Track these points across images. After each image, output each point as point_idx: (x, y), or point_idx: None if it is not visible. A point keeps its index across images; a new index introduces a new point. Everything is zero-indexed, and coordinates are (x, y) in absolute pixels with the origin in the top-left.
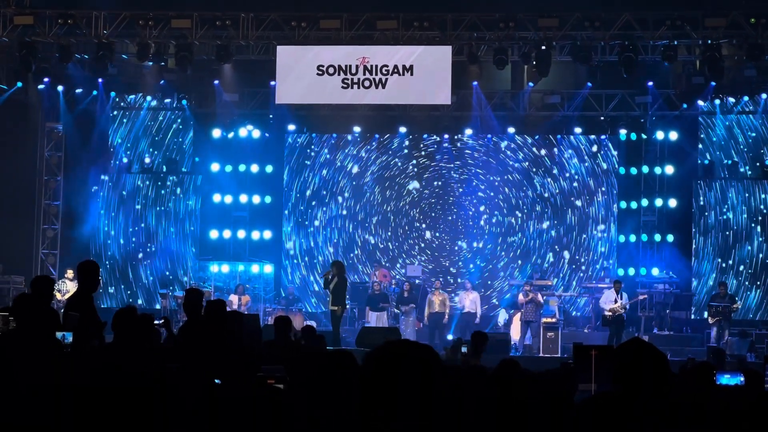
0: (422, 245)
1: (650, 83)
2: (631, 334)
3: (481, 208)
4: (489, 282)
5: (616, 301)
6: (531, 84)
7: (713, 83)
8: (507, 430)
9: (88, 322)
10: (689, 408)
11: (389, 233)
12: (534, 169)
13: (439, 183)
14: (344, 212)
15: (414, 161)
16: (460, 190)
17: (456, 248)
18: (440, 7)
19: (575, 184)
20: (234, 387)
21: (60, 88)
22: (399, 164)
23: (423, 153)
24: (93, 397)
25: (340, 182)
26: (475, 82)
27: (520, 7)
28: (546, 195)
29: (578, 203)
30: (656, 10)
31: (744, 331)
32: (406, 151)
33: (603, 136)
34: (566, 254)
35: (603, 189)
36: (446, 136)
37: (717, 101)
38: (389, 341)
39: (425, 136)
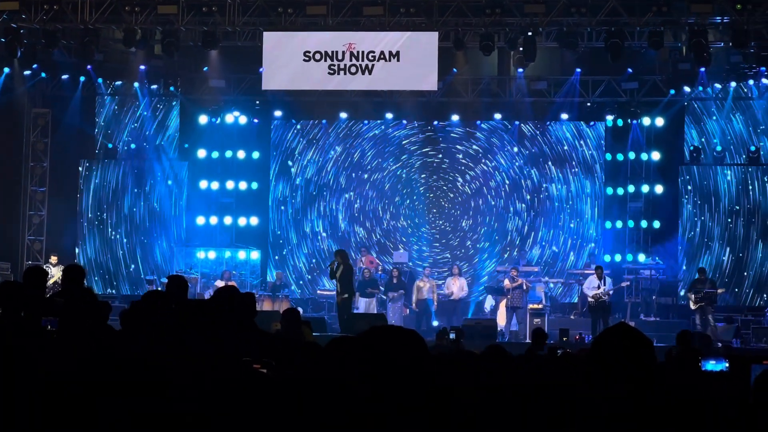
0: (411, 232)
1: (630, 69)
2: (618, 320)
3: (458, 184)
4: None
5: (599, 287)
6: (521, 70)
7: (702, 69)
8: (496, 416)
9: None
10: (673, 395)
11: (377, 223)
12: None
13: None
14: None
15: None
16: (433, 176)
17: (452, 228)
18: None
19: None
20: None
21: (43, 74)
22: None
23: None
24: (81, 385)
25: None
26: (454, 70)
27: None
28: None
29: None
30: None
31: (730, 317)
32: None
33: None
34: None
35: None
36: (436, 122)
37: (700, 87)
38: (375, 327)
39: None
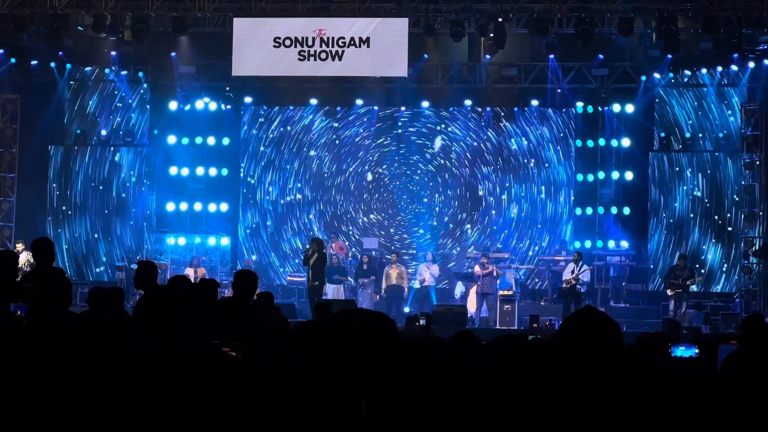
0: (383, 220)
1: (600, 56)
2: None
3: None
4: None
5: (573, 272)
6: (488, 57)
7: (670, 56)
8: (464, 399)
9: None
10: (643, 379)
11: (346, 207)
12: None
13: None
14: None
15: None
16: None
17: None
18: None
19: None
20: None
21: (12, 60)
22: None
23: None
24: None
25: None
26: (425, 56)
27: None
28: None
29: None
30: None
31: (699, 303)
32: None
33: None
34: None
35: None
36: (403, 108)
37: (671, 74)
38: (345, 310)
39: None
